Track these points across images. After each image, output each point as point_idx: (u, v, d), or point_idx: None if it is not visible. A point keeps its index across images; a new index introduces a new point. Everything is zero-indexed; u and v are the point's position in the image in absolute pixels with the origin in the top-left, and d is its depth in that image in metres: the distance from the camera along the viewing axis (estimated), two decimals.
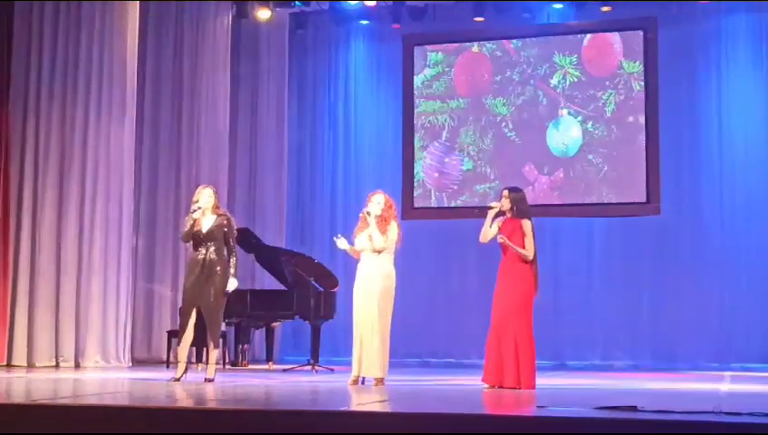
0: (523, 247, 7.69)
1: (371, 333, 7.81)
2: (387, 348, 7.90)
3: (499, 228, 7.79)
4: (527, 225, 7.73)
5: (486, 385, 7.60)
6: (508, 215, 7.79)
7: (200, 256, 8.20)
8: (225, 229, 8.26)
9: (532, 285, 7.68)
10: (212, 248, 8.20)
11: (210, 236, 8.21)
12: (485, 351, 7.74)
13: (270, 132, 13.01)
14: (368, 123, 13.32)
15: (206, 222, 8.26)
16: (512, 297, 7.63)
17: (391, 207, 8.03)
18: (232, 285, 8.21)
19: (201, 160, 12.02)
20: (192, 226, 8.21)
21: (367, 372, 7.83)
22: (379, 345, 7.80)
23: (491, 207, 7.84)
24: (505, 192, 7.85)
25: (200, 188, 8.49)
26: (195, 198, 8.33)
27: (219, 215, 8.30)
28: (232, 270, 8.21)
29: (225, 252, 8.24)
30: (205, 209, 8.26)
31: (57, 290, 10.56)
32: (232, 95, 12.50)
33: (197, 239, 8.23)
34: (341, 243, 8.15)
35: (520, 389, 7.46)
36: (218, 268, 8.17)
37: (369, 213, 7.88)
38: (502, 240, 7.70)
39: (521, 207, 7.80)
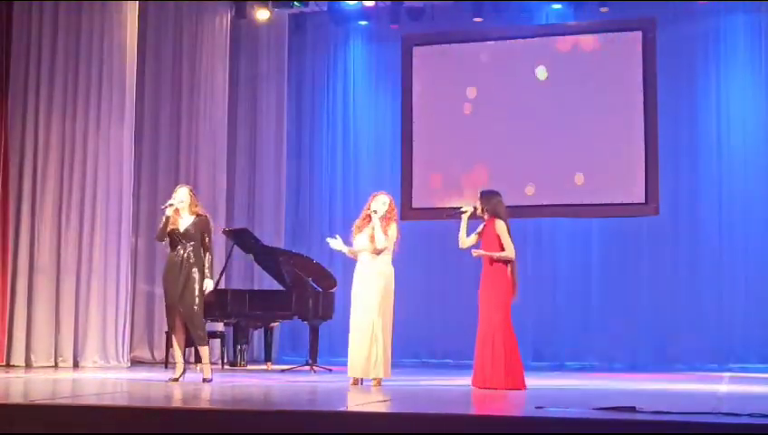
0: (501, 250, 7.74)
1: (371, 335, 7.78)
2: (389, 349, 7.91)
3: (478, 235, 7.86)
4: (499, 224, 7.82)
5: (475, 388, 7.63)
6: (483, 217, 7.88)
7: (177, 257, 8.19)
8: (203, 229, 8.23)
9: (509, 285, 7.76)
10: (189, 249, 8.18)
11: (187, 235, 8.20)
12: (475, 354, 7.80)
13: (269, 133, 13.00)
14: (366, 123, 13.32)
15: (183, 222, 8.25)
16: (491, 299, 7.72)
17: (394, 208, 8.07)
18: (208, 285, 8.19)
19: (200, 161, 12.01)
20: (165, 224, 8.20)
21: (368, 373, 7.81)
22: (382, 346, 7.80)
23: (462, 211, 7.90)
24: (478, 194, 7.95)
25: (177, 187, 8.49)
26: (172, 197, 8.34)
27: (198, 215, 8.28)
28: (207, 271, 8.19)
29: (202, 252, 8.23)
30: (180, 208, 8.23)
31: (56, 290, 10.55)
32: (231, 96, 12.50)
33: (174, 239, 8.22)
34: (336, 243, 8.13)
35: (511, 389, 7.49)
36: (195, 269, 8.15)
37: (375, 211, 7.87)
38: (477, 255, 7.79)
39: (491, 208, 7.88)
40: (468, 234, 7.97)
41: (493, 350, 7.59)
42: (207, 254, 8.23)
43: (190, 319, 8.13)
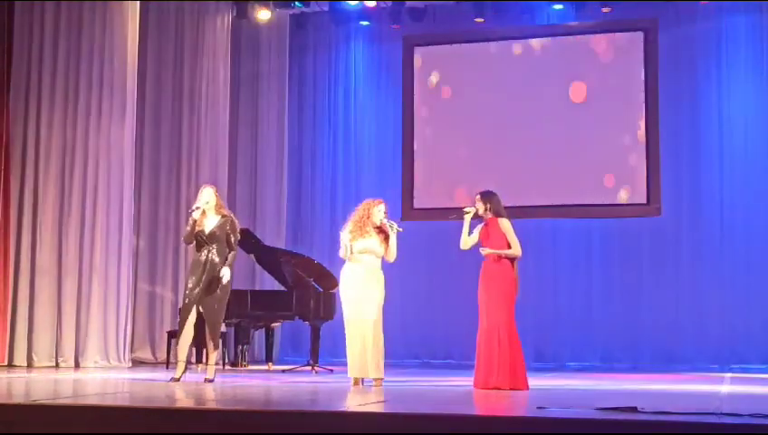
0: (508, 247, 7.76)
1: (371, 337, 7.79)
2: (383, 349, 7.94)
3: (480, 235, 7.85)
4: (505, 223, 7.84)
5: (477, 389, 7.60)
6: (485, 217, 7.86)
7: (202, 258, 8.19)
8: (228, 230, 8.25)
9: (514, 283, 7.76)
10: (214, 250, 8.19)
11: (212, 237, 8.21)
12: (476, 355, 7.77)
13: (270, 133, 13.00)
14: (368, 124, 13.32)
15: (209, 223, 8.25)
16: (497, 298, 7.69)
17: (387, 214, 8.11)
18: (225, 273, 8.18)
19: (201, 161, 12.01)
20: (193, 226, 8.21)
21: (369, 373, 7.82)
22: (380, 347, 7.82)
23: (466, 212, 7.90)
24: (477, 196, 7.95)
25: (202, 187, 8.49)
26: (197, 199, 8.34)
27: (223, 216, 8.29)
28: (228, 261, 8.19)
29: (227, 251, 8.25)
30: (206, 210, 8.24)
31: (58, 290, 10.56)
32: (232, 96, 12.50)
33: (200, 240, 8.23)
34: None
35: (515, 390, 7.47)
36: (220, 270, 8.17)
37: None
38: (486, 253, 7.76)
39: (493, 207, 7.89)
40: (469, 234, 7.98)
41: (499, 349, 7.57)
42: (231, 251, 8.25)
43: (210, 320, 8.16)
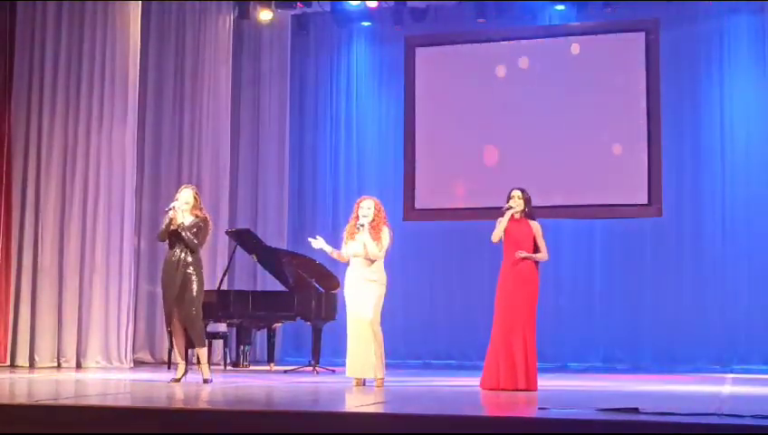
0: (538, 251, 7.79)
1: (370, 337, 7.80)
2: (383, 349, 7.93)
3: (506, 231, 7.79)
4: (537, 226, 7.82)
5: (485, 390, 7.56)
6: (517, 216, 7.81)
7: (174, 257, 8.16)
8: (196, 229, 8.16)
9: (537, 284, 7.73)
10: (186, 249, 8.14)
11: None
12: (489, 354, 7.72)
13: (272, 133, 13.00)
14: (369, 124, 13.32)
15: (184, 223, 8.21)
16: (524, 298, 7.65)
17: (381, 210, 7.99)
18: (175, 207, 8.09)
19: (203, 161, 12.02)
20: (168, 225, 8.18)
21: (369, 373, 7.82)
22: (380, 347, 7.83)
23: (509, 207, 7.82)
24: (518, 192, 7.87)
25: (182, 187, 8.47)
26: (175, 197, 8.32)
27: (197, 217, 8.24)
28: (189, 235, 8.06)
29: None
30: (182, 210, 8.17)
31: (59, 291, 10.56)
32: (234, 96, 12.50)
33: (172, 239, 8.19)
34: (318, 243, 8.10)
35: (528, 390, 7.46)
36: (192, 269, 8.12)
37: (362, 226, 7.84)
38: (522, 256, 7.71)
39: (530, 208, 7.86)
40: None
41: (525, 350, 7.55)
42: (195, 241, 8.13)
43: (189, 321, 8.11)
